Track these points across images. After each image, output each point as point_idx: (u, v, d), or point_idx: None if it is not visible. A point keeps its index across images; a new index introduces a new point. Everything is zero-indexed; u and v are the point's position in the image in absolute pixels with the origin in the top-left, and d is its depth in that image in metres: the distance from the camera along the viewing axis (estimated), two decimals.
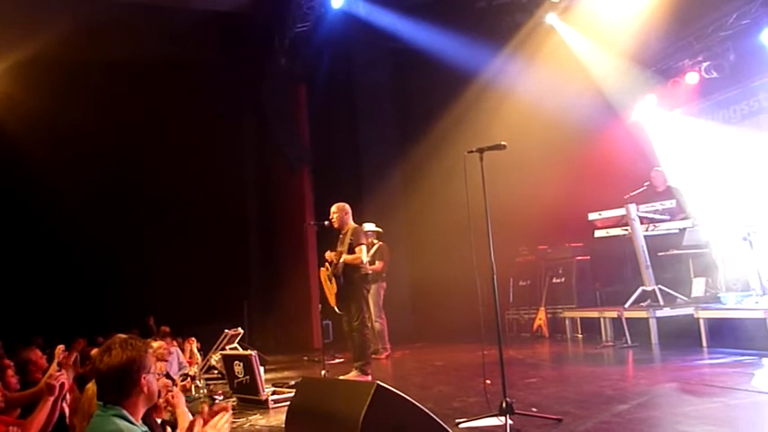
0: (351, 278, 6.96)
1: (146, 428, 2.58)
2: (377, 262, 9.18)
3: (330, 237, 7.42)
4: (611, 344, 8.32)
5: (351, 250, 6.99)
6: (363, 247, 7.05)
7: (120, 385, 2.46)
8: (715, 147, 9.48)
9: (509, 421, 4.27)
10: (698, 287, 8.58)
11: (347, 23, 11.69)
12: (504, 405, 4.42)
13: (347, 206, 7.37)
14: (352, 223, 7.25)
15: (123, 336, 2.58)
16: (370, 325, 7.28)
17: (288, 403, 4.16)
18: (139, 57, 11.11)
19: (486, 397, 4.74)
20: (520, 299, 10.80)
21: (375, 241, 9.26)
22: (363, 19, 11.56)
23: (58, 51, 10.02)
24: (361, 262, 6.96)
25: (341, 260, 6.96)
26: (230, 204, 13.08)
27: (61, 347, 4.62)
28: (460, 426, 4.46)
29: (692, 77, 9.75)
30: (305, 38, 11.81)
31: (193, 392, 6.74)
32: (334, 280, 7.03)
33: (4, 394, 4.07)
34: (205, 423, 2.65)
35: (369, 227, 8.92)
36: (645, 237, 8.73)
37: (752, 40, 8.87)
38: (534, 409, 4.66)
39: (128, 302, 10.90)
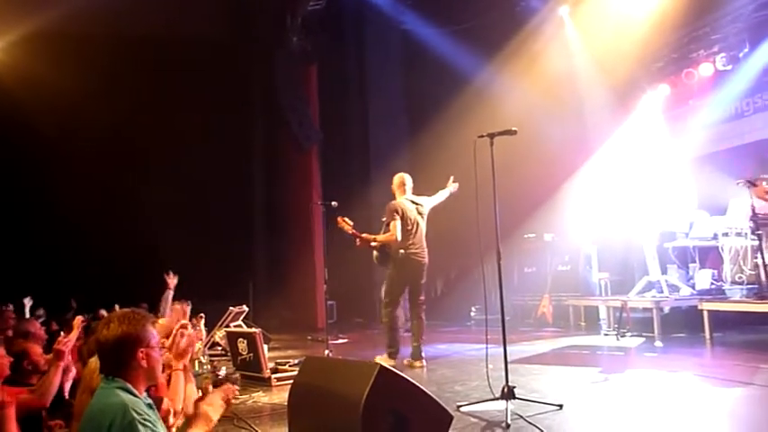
0: (380, 256, 6.74)
1: (150, 401, 2.60)
2: None
3: (338, 216, 7.33)
4: (614, 333, 8.34)
5: (386, 228, 6.69)
6: (395, 223, 6.57)
7: (118, 358, 2.48)
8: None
9: (510, 406, 4.29)
10: (703, 279, 8.58)
11: (360, 3, 11.61)
12: (505, 390, 4.45)
13: (398, 178, 6.94)
14: (395, 200, 6.83)
15: (126, 309, 2.60)
16: (390, 307, 6.74)
17: (290, 382, 4.19)
18: (150, 32, 11.07)
19: (489, 382, 4.76)
20: (525, 285, 10.81)
21: None
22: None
23: (68, 24, 9.99)
24: (395, 239, 6.51)
25: (367, 237, 6.69)
26: (237, 182, 13.09)
27: (80, 319, 4.69)
28: (461, 409, 4.49)
29: (706, 69, 9.66)
30: (317, 17, 11.74)
31: (197, 368, 6.80)
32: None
33: (35, 361, 4.13)
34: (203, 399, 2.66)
35: None
36: (652, 227, 8.73)
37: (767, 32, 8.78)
38: (535, 395, 4.69)
39: (136, 278, 10.95)
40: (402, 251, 6.58)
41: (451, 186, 6.95)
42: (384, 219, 6.73)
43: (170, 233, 11.34)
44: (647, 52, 9.86)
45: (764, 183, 6.50)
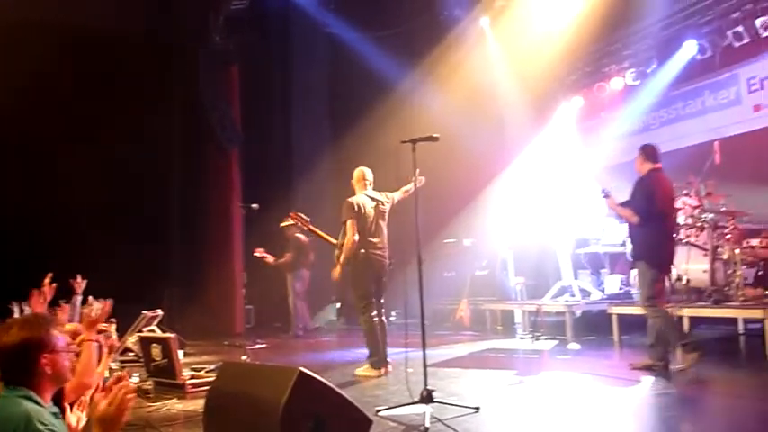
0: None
1: (56, 410, 2.47)
2: (286, 254, 9.57)
3: (258, 219, 7.20)
4: (529, 336, 8.57)
5: (343, 228, 6.25)
6: (350, 222, 6.10)
7: (20, 365, 2.35)
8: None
9: (429, 410, 4.32)
10: (613, 284, 8.97)
11: (285, 5, 11.50)
12: (424, 394, 4.49)
13: (357, 172, 6.46)
14: (354, 196, 6.35)
15: (28, 313, 2.46)
16: (367, 311, 6.26)
17: (207, 388, 4.08)
18: (61, 21, 10.52)
19: (408, 386, 4.79)
20: (444, 289, 10.95)
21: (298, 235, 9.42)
22: (301, 1, 11.43)
23: None
24: (352, 242, 6.07)
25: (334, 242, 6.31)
26: (153, 182, 12.60)
27: None
28: (381, 413, 4.49)
29: (616, 83, 10.11)
30: (241, 16, 11.54)
31: (107, 375, 6.52)
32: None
33: None
34: (106, 394, 2.46)
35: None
36: (566, 233, 9.06)
37: (674, 51, 9.26)
38: (454, 398, 4.75)
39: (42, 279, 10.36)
40: (362, 250, 6.13)
41: (417, 181, 6.31)
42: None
43: (80, 235, 10.82)
44: (563, 65, 10.25)
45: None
